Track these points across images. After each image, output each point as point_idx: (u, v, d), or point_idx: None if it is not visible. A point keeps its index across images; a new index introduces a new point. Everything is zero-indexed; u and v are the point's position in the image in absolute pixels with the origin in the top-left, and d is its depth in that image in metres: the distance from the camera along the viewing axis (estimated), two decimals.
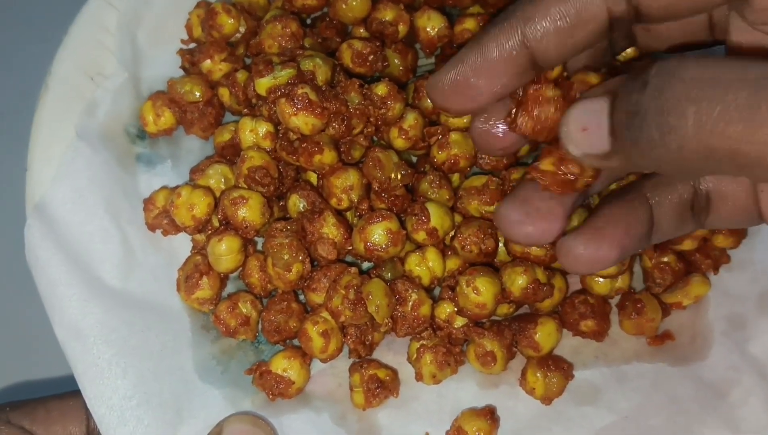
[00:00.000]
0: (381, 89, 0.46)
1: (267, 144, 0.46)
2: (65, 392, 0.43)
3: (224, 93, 0.50)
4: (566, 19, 0.34)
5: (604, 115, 0.31)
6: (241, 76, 0.48)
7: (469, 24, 0.51)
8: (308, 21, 0.54)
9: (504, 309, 0.46)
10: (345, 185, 0.45)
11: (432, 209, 0.45)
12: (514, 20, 0.35)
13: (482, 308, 0.43)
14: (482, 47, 0.36)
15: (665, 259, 0.46)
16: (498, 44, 0.35)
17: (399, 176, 0.46)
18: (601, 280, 0.45)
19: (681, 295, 0.46)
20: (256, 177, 0.45)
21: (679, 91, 0.28)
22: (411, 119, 0.47)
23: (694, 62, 0.28)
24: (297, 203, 0.46)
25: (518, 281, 0.43)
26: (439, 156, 0.47)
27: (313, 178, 0.48)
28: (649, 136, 0.29)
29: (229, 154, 0.49)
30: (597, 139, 0.32)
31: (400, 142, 0.47)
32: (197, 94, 0.50)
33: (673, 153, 0.28)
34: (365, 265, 0.48)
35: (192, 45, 0.53)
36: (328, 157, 0.44)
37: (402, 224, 0.45)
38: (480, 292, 0.43)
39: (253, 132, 0.46)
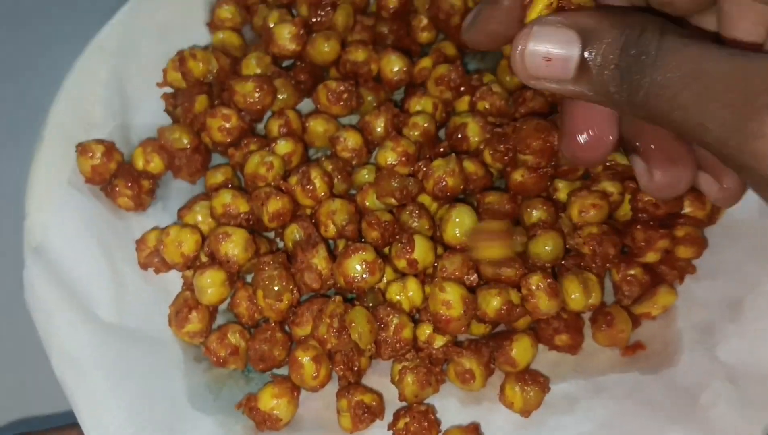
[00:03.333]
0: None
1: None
2: (64, 424, 0.45)
3: (207, 137, 0.53)
4: None
5: (575, 50, 0.32)
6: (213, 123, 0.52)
7: (426, 63, 0.55)
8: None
9: (480, 329, 0.48)
10: (329, 211, 0.48)
11: (418, 242, 0.47)
12: None
13: (449, 307, 0.44)
14: None
15: (632, 272, 0.48)
16: None
17: (410, 184, 0.49)
18: (575, 295, 0.47)
19: (649, 306, 0.48)
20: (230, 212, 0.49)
21: (675, 77, 0.29)
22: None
23: (696, 50, 0.29)
24: (294, 232, 0.49)
25: (492, 303, 0.45)
26: (428, 184, 0.49)
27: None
28: (631, 91, 0.31)
29: None
30: (561, 69, 0.32)
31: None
32: (185, 141, 0.53)
33: (640, 110, 0.31)
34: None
35: (167, 88, 0.56)
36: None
37: (378, 253, 0.47)
38: (446, 290, 0.45)
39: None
